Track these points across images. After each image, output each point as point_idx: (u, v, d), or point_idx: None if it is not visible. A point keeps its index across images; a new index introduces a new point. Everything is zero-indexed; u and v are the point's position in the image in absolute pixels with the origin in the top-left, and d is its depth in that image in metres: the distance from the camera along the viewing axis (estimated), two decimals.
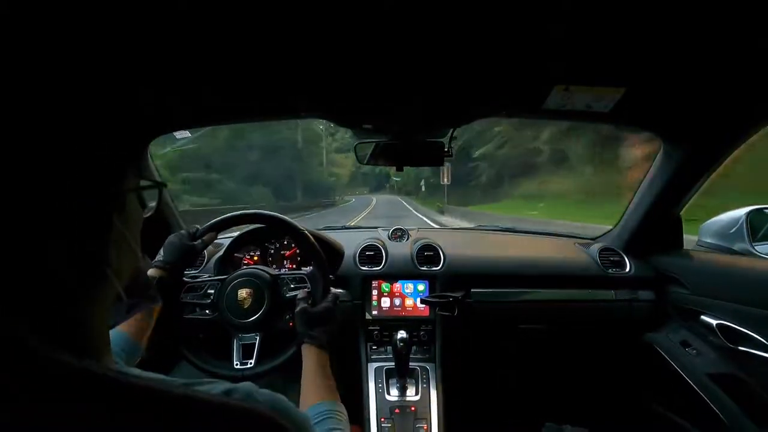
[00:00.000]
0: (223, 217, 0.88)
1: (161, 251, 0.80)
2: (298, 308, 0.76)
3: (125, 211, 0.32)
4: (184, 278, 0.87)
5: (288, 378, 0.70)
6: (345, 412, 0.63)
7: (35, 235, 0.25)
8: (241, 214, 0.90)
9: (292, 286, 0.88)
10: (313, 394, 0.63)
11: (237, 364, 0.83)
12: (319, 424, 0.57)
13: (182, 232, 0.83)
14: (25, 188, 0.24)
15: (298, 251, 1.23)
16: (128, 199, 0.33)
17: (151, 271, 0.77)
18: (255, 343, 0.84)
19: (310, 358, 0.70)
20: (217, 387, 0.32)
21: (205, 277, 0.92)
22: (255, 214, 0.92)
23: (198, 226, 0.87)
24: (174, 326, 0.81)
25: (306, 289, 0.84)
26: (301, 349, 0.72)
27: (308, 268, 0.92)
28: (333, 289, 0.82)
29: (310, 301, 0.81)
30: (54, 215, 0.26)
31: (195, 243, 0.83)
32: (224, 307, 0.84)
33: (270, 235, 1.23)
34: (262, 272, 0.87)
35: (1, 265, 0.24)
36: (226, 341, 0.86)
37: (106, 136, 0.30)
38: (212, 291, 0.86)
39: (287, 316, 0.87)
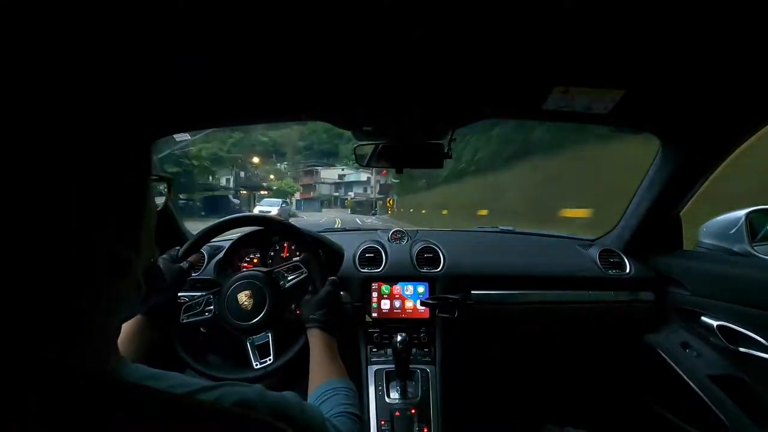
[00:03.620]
0: (202, 230, 0.88)
1: None
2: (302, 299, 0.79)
3: (147, 203, 0.35)
4: (179, 300, 0.85)
5: (306, 367, 0.70)
6: (354, 388, 0.63)
7: (57, 233, 0.25)
8: (223, 222, 0.90)
9: (289, 276, 0.88)
10: (321, 375, 0.65)
11: (256, 365, 0.82)
12: (327, 401, 0.58)
13: (164, 256, 0.83)
14: (51, 185, 0.25)
15: (293, 247, 1.22)
16: (148, 192, 0.35)
17: None
18: (268, 341, 0.83)
19: (315, 341, 0.72)
20: (229, 396, 0.34)
21: (199, 296, 0.88)
22: (236, 218, 0.92)
23: (178, 248, 0.86)
24: (178, 348, 0.81)
25: (303, 274, 0.86)
26: (308, 336, 0.73)
27: (301, 254, 0.92)
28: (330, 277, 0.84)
29: (310, 288, 0.84)
30: (84, 209, 0.27)
31: (181, 265, 0.83)
32: (228, 315, 0.83)
33: (269, 236, 1.22)
34: (256, 272, 0.88)
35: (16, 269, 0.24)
36: (238, 344, 0.85)
37: (128, 131, 0.32)
38: (210, 306, 0.85)
39: (293, 306, 0.87)
